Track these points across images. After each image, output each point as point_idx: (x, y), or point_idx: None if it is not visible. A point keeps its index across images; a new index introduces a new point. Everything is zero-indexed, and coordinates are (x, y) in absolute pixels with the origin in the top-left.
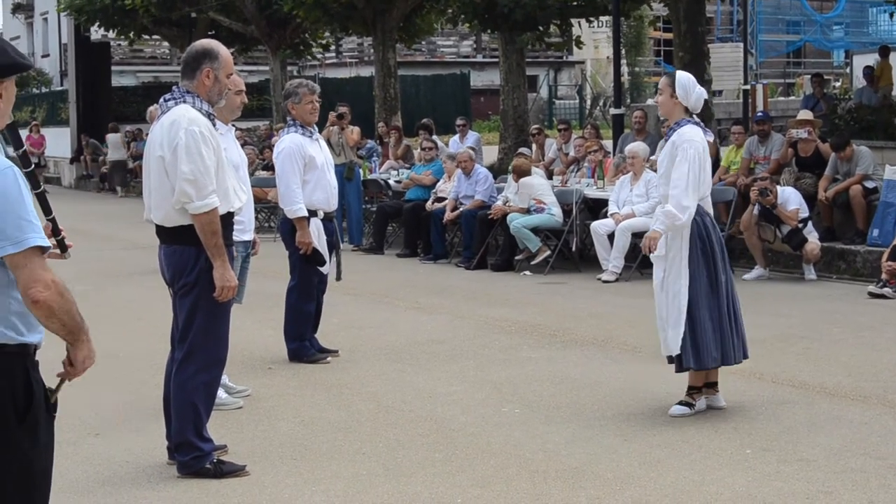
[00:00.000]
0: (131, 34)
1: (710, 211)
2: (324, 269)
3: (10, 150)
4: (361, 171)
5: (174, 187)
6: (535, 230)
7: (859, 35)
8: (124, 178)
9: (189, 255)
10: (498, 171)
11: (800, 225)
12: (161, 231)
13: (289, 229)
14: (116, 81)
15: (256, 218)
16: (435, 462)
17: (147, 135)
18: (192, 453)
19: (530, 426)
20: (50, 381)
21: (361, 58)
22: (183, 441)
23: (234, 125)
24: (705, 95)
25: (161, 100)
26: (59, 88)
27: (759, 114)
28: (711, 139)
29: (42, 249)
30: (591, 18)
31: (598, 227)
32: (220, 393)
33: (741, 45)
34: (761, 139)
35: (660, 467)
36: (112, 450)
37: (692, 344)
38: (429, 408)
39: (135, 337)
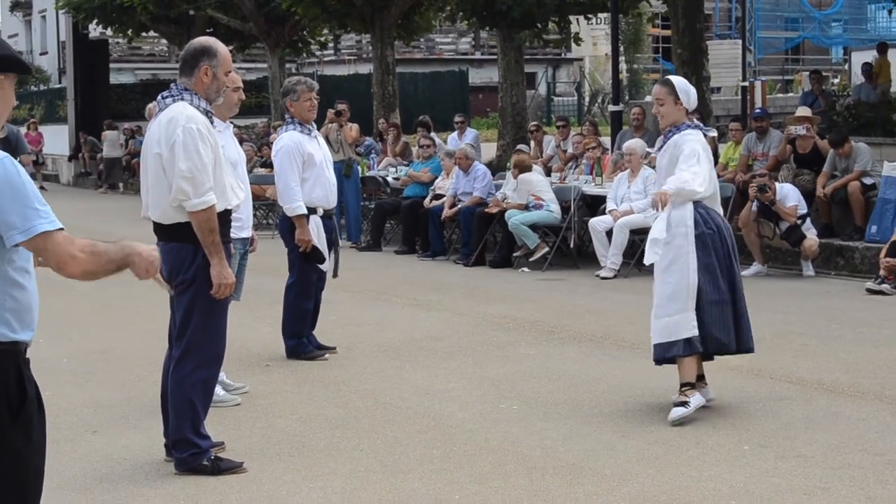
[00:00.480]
0: (129, 31)
1: (720, 210)
2: (323, 267)
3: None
4: (360, 168)
5: (171, 184)
6: (534, 227)
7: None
8: (120, 175)
9: (186, 252)
10: (496, 167)
11: (798, 221)
12: (158, 228)
13: (288, 227)
14: (115, 79)
15: (255, 215)
16: (433, 459)
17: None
18: (190, 450)
19: (528, 423)
20: (41, 380)
21: (360, 55)
22: (180, 438)
23: (232, 122)
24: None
25: (159, 97)
26: (58, 86)
27: (758, 110)
28: (714, 134)
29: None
30: (590, 15)
31: (597, 223)
32: (218, 390)
33: (739, 41)
34: (759, 136)
35: (657, 463)
36: (109, 447)
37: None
38: (426, 404)
39: (132, 334)
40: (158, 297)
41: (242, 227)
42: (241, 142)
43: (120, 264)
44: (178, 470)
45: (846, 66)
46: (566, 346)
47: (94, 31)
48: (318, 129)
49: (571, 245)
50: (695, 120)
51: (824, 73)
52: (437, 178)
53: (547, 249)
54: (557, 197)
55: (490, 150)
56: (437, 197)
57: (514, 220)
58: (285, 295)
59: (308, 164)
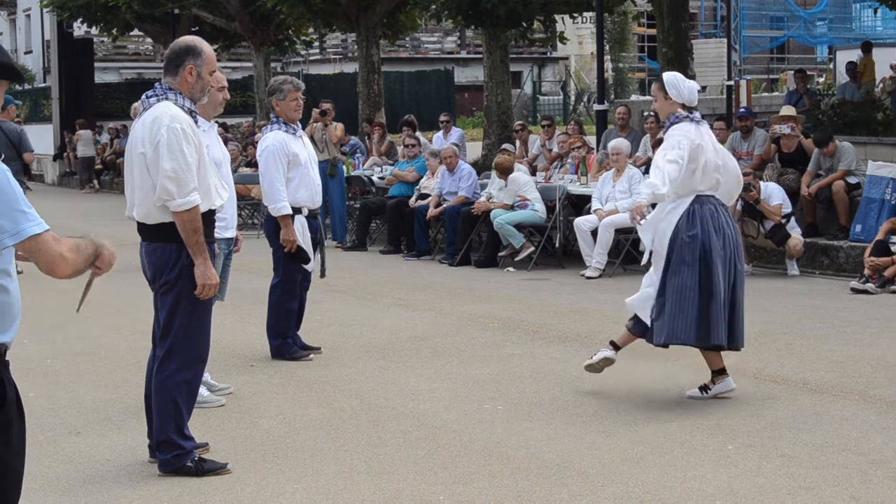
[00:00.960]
0: (114, 30)
1: (728, 199)
2: (308, 267)
3: None
4: (345, 167)
5: (156, 184)
6: (519, 226)
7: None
8: (91, 176)
9: (170, 252)
10: (482, 167)
11: (783, 220)
12: (142, 228)
13: (273, 227)
14: (100, 78)
15: (239, 215)
16: (417, 459)
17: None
18: (174, 451)
19: (512, 423)
20: (25, 381)
21: (345, 54)
22: (164, 439)
23: (216, 122)
24: (697, 87)
25: (143, 96)
26: (42, 85)
27: (742, 110)
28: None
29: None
30: (575, 14)
31: (582, 223)
32: (202, 390)
33: (725, 40)
34: (744, 135)
35: (642, 463)
36: (93, 448)
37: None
38: (411, 405)
39: (116, 334)
40: (141, 297)
41: (227, 227)
42: (225, 141)
43: (93, 257)
44: (162, 471)
45: (831, 66)
46: (551, 345)
47: (79, 29)
48: (303, 128)
49: (557, 245)
50: (688, 112)
51: (809, 73)
52: (422, 177)
53: (532, 249)
54: (542, 196)
55: (475, 150)
56: (423, 196)
57: (500, 219)
58: (270, 295)
59: (293, 164)
